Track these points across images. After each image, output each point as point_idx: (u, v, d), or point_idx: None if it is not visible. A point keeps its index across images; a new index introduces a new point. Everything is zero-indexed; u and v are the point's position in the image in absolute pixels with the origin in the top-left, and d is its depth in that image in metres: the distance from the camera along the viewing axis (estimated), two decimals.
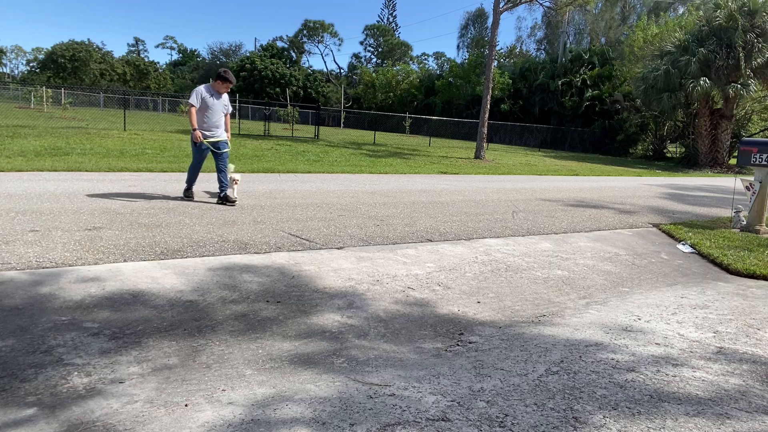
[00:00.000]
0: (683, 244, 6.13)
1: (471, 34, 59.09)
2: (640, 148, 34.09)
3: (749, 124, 29.89)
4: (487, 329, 3.27)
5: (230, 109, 6.44)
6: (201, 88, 6.07)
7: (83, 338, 2.64)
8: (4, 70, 79.61)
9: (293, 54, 65.52)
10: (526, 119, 38.44)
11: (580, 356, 2.83)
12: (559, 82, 36.88)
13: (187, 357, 2.59)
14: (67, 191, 6.18)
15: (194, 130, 5.98)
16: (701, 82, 22.28)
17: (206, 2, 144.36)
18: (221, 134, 6.28)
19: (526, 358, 2.78)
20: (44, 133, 13.89)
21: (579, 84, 36.31)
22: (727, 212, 8.76)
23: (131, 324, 2.85)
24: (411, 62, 60.77)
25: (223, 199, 6.22)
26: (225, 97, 6.29)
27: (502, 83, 36.58)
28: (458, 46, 63.35)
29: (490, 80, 19.00)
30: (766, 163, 6.64)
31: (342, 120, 48.82)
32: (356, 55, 71.82)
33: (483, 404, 2.23)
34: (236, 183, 6.40)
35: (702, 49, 22.70)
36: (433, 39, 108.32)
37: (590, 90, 35.55)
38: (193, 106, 5.94)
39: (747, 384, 2.57)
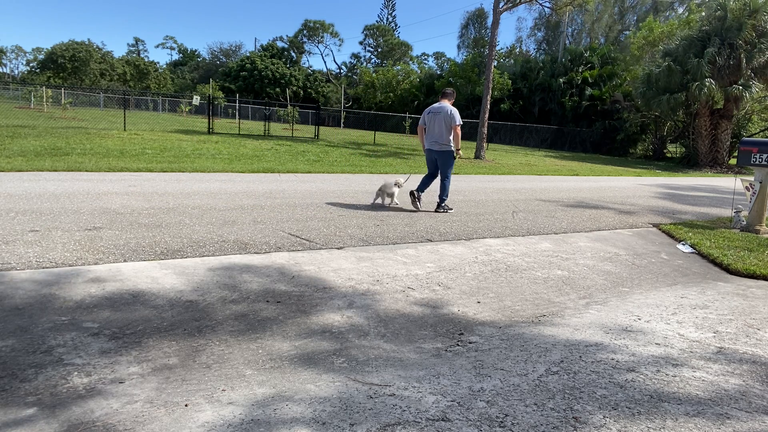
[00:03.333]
0: (683, 244, 6.13)
1: (471, 34, 59.04)
2: (640, 148, 34.10)
3: (749, 124, 29.90)
4: (487, 329, 3.27)
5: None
6: None
7: (83, 338, 2.64)
8: (4, 70, 79.74)
9: (293, 54, 65.54)
10: (526, 119, 38.44)
11: (580, 356, 2.83)
12: (560, 81, 36.87)
13: (187, 357, 2.59)
14: (67, 191, 6.18)
15: (459, 149, 6.86)
16: (707, 83, 22.25)
17: (206, 2, 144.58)
18: None
19: (526, 358, 2.78)
20: (44, 133, 13.89)
21: (579, 84, 36.31)
22: (727, 212, 8.76)
23: (131, 324, 2.85)
24: (411, 62, 60.76)
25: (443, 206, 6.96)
26: None
27: (501, 83, 36.59)
28: (458, 46, 63.31)
29: (490, 80, 19.00)
30: (766, 163, 6.64)
31: (342, 120, 48.84)
32: (356, 55, 71.82)
33: (483, 404, 2.23)
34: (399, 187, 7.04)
35: (711, 49, 22.68)
36: (433, 39, 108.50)
37: (591, 89, 35.54)
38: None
39: (747, 384, 2.57)
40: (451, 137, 6.68)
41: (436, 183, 6.98)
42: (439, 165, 6.87)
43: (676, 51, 24.24)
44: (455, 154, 6.81)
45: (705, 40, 23.50)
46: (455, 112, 6.61)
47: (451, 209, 6.96)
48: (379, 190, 6.99)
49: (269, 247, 4.40)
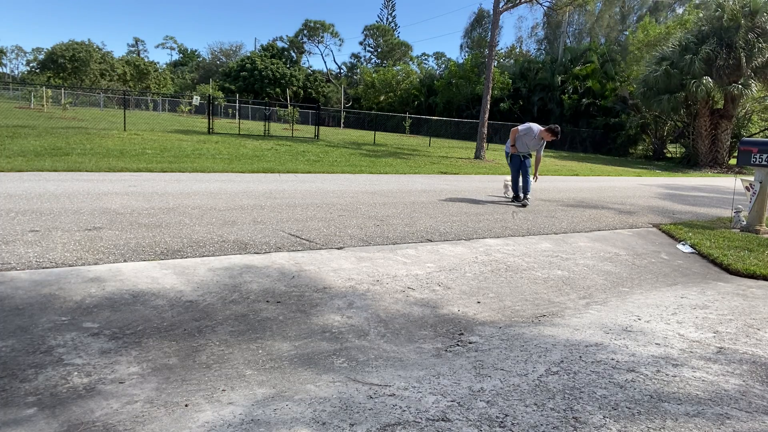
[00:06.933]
0: (683, 244, 6.13)
1: (476, 35, 58.89)
2: (640, 148, 34.13)
3: (749, 124, 29.91)
4: (487, 329, 3.27)
5: (540, 151, 8.41)
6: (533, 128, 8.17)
7: (83, 338, 2.64)
8: (4, 70, 79.88)
9: (293, 54, 65.56)
10: (526, 119, 38.41)
11: (580, 356, 2.83)
12: (559, 79, 36.85)
13: (187, 357, 2.59)
14: (67, 191, 6.18)
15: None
16: (704, 81, 22.24)
17: (206, 2, 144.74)
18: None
19: (526, 359, 2.78)
20: (44, 133, 13.89)
21: (579, 82, 36.28)
22: (727, 212, 8.75)
23: (131, 324, 2.85)
24: (411, 62, 60.77)
25: (517, 199, 8.48)
26: (543, 143, 8.31)
27: (501, 83, 36.57)
28: (461, 46, 63.22)
29: (490, 80, 18.98)
30: (766, 163, 6.64)
31: (342, 120, 48.85)
32: (356, 55, 71.81)
33: (483, 404, 2.23)
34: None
35: (705, 47, 22.67)
36: (434, 39, 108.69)
37: (591, 87, 35.50)
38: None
39: (747, 384, 2.57)
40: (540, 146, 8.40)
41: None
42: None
43: (672, 55, 24.21)
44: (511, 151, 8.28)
45: (702, 41, 23.49)
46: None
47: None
48: (504, 186, 8.85)
49: (269, 247, 4.40)
